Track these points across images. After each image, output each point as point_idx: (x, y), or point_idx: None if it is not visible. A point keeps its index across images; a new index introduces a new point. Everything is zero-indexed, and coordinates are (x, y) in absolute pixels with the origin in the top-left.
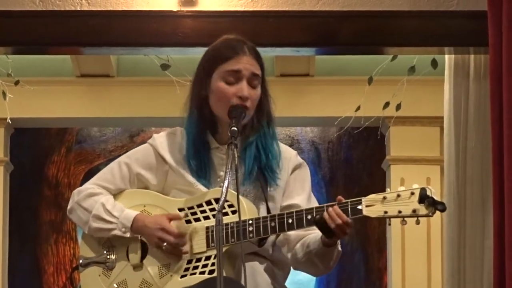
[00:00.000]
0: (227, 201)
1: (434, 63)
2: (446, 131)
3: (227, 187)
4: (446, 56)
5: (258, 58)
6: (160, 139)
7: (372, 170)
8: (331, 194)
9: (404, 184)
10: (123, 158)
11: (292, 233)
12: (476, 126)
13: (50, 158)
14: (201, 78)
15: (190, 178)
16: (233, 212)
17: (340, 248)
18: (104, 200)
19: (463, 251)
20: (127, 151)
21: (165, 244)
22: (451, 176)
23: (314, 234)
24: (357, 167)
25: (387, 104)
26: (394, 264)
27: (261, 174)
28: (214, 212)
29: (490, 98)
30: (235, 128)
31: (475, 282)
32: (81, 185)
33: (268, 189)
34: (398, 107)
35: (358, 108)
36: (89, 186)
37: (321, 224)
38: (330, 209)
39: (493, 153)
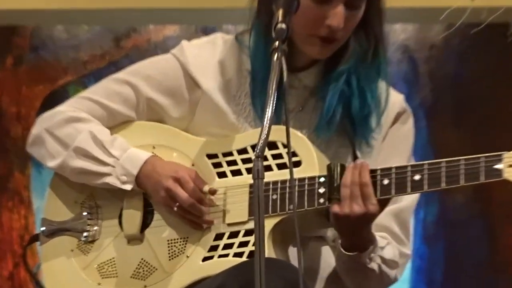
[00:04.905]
0: (285, 146)
1: None
2: None
3: (271, 118)
4: None
5: None
6: (192, 50)
7: (499, 93)
8: (434, 130)
9: None
10: (125, 75)
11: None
12: None
13: None
14: None
15: (232, 117)
16: (296, 165)
17: (387, 270)
18: (95, 129)
19: None
20: (112, 63)
21: (177, 203)
22: None
23: None
24: (474, 88)
25: None
26: None
27: (348, 124)
28: (266, 162)
29: None
30: (283, 26)
31: None
32: (37, 115)
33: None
34: None
35: None
36: (67, 108)
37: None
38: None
39: None
